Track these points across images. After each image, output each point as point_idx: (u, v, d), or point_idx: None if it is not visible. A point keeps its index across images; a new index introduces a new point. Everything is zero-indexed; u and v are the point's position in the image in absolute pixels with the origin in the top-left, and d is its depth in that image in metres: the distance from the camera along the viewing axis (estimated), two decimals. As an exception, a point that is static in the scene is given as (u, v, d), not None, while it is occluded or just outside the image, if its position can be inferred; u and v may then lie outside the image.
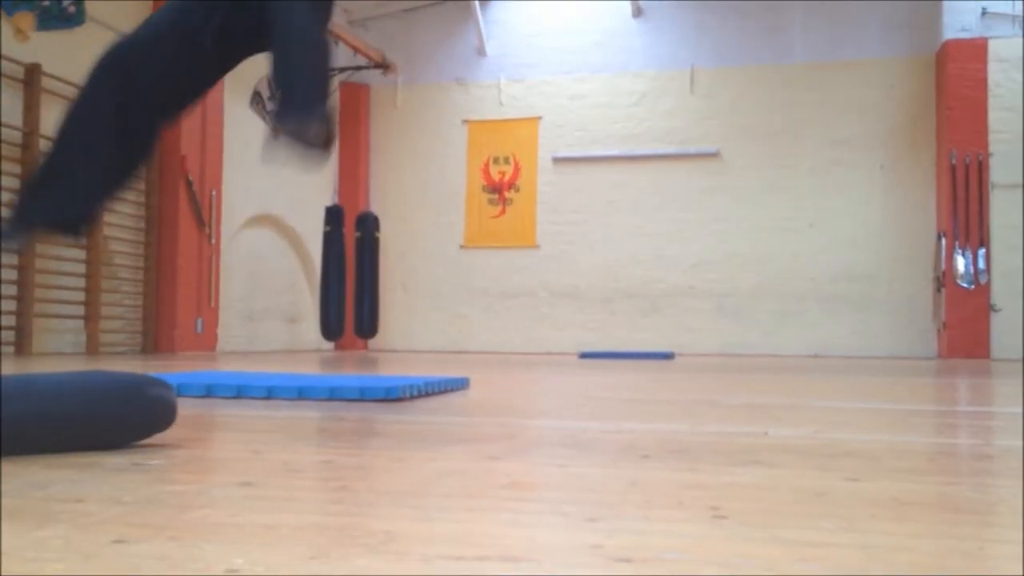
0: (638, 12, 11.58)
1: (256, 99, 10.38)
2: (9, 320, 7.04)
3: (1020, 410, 2.67)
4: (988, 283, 9.87)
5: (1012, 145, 9.94)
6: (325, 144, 2.18)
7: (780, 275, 10.99)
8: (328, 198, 11.17)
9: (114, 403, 1.46)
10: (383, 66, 11.62)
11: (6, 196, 7.10)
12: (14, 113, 7.12)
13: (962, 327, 9.87)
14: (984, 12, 10.09)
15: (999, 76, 10.03)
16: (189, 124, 8.83)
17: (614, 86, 11.60)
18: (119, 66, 2.27)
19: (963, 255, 9.95)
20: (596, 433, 1.87)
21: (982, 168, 9.98)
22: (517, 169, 11.83)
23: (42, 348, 7.38)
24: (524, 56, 11.89)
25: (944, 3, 10.23)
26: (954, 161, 10.04)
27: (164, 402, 1.51)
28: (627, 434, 1.83)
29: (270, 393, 2.63)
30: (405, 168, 12.03)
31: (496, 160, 11.90)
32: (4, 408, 1.34)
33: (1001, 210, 9.96)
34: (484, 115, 11.96)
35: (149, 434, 1.52)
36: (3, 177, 6.99)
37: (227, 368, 4.62)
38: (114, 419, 1.45)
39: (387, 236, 11.67)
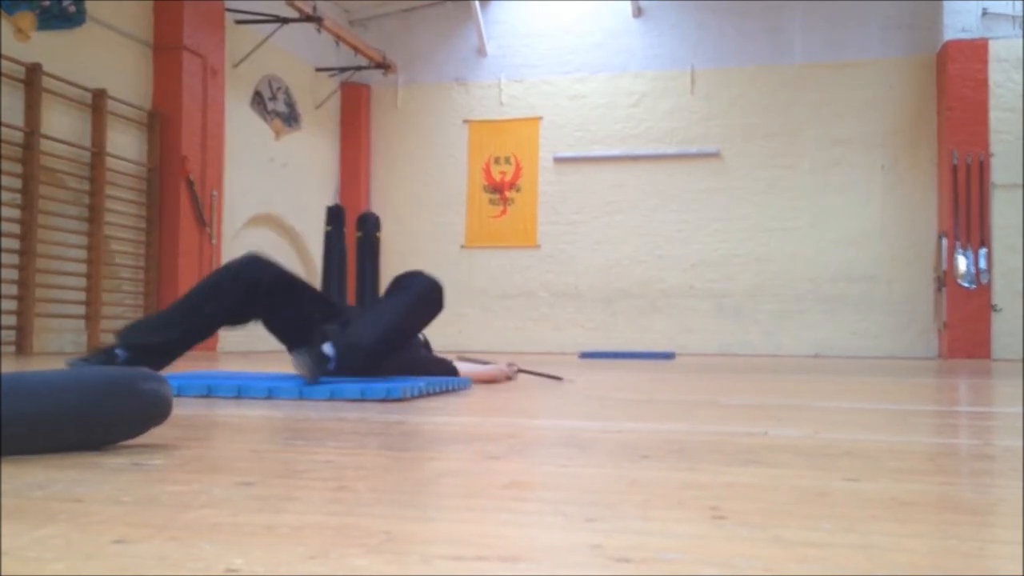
0: (638, 12, 11.58)
1: (257, 99, 10.38)
2: (9, 320, 7.04)
3: (1020, 410, 2.67)
4: (989, 283, 9.88)
5: (1013, 145, 9.94)
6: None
7: (780, 275, 10.99)
8: (329, 198, 11.16)
9: (107, 398, 1.44)
10: (383, 66, 11.64)
11: (6, 196, 7.10)
12: (14, 113, 7.12)
13: (963, 327, 9.88)
14: (984, 12, 10.09)
15: (999, 76, 10.04)
16: (190, 124, 8.84)
17: (614, 86, 11.60)
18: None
19: (964, 255, 9.95)
20: (596, 433, 1.87)
21: (983, 168, 9.98)
22: (518, 169, 11.83)
23: (43, 348, 7.38)
24: (524, 56, 11.89)
25: (944, 3, 10.23)
26: (955, 161, 10.04)
27: (158, 396, 1.50)
28: (627, 434, 1.83)
29: (270, 393, 2.63)
30: (406, 168, 12.04)
31: (497, 160, 11.90)
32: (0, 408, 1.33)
33: (1002, 210, 9.97)
34: (484, 115, 11.96)
35: (144, 429, 1.50)
36: (3, 177, 6.99)
37: (227, 368, 4.62)
38: (108, 415, 1.44)
39: (388, 236, 11.67)
